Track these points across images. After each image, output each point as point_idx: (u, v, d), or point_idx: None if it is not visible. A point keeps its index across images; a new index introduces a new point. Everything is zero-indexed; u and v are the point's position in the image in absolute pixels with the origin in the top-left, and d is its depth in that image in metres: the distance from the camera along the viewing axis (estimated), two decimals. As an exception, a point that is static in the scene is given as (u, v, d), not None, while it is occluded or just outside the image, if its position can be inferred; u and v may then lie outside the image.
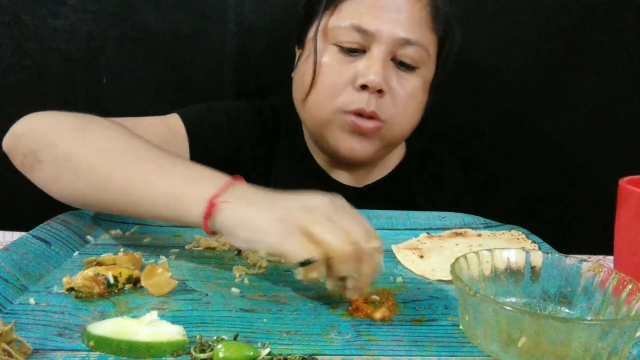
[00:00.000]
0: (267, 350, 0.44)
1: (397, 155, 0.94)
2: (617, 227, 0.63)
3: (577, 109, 1.11)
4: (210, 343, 0.45)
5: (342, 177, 0.91)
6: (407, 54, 0.77)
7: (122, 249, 0.66)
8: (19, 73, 1.02)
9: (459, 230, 0.75)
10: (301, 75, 0.82)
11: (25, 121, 0.70)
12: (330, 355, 0.45)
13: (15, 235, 0.73)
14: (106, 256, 0.59)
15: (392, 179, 0.92)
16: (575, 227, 1.14)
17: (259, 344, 0.46)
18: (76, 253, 0.66)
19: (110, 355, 0.44)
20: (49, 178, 0.65)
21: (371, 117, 0.77)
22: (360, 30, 0.75)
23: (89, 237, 0.70)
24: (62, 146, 0.63)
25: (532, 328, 0.41)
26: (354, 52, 0.77)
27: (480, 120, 1.12)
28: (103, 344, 0.44)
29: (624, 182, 0.62)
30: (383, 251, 0.53)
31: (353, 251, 0.49)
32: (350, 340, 0.48)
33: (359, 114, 0.77)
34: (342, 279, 0.52)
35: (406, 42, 0.76)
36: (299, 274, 0.50)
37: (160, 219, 0.60)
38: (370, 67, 0.75)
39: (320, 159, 0.91)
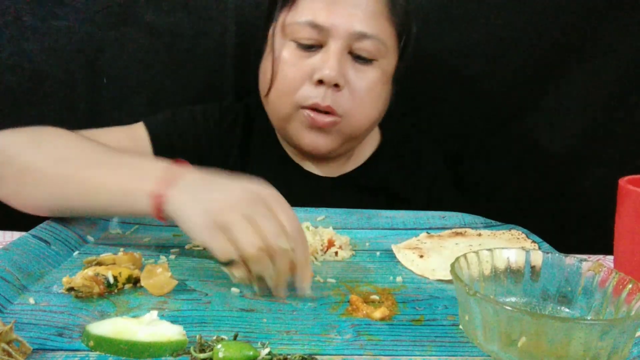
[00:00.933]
0: (267, 350, 0.44)
1: (371, 144, 0.95)
2: (617, 227, 0.63)
3: (577, 108, 1.10)
4: (210, 343, 0.45)
5: (316, 168, 0.92)
6: (364, 47, 0.78)
7: (122, 249, 0.66)
8: (19, 74, 1.02)
9: (459, 230, 0.75)
10: (263, 71, 0.84)
11: None
12: (330, 355, 0.45)
13: (15, 235, 0.73)
14: (106, 256, 0.59)
15: (367, 168, 0.94)
16: (575, 227, 1.14)
17: (259, 344, 0.46)
18: (76, 253, 0.66)
19: (110, 355, 0.44)
20: (11, 192, 0.68)
21: (327, 111, 0.78)
22: (315, 26, 0.76)
23: (89, 237, 0.70)
24: (19, 160, 0.67)
25: (532, 328, 0.41)
26: (311, 47, 0.78)
27: (480, 120, 1.12)
28: (103, 344, 0.44)
29: (624, 182, 0.62)
30: (303, 248, 0.55)
31: (259, 252, 0.52)
32: (350, 340, 0.48)
33: (315, 108, 0.78)
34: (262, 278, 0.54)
35: (362, 36, 0.77)
36: (227, 273, 0.55)
37: (118, 216, 0.67)
38: (326, 62, 0.76)
39: (291, 152, 0.92)
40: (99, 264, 0.58)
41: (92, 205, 0.64)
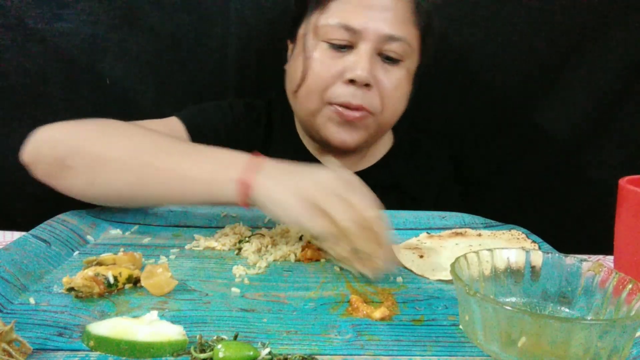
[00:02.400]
0: (267, 350, 0.44)
1: (385, 144, 0.99)
2: (617, 227, 0.63)
3: (577, 108, 1.10)
4: (210, 343, 0.45)
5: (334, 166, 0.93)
6: (392, 48, 0.81)
7: (122, 249, 0.66)
8: (22, 76, 1.03)
9: (459, 230, 0.75)
10: (293, 69, 0.86)
11: (44, 132, 0.72)
12: (330, 355, 0.45)
13: (15, 235, 0.73)
14: (106, 256, 0.59)
15: (381, 167, 0.97)
16: (575, 227, 1.14)
17: (259, 344, 0.46)
18: (76, 253, 0.66)
19: (110, 355, 0.44)
20: (81, 182, 0.69)
21: (358, 109, 0.81)
22: (348, 28, 0.79)
23: (89, 237, 0.70)
24: (93, 150, 0.69)
25: (532, 328, 0.41)
26: (342, 48, 0.81)
27: (480, 120, 1.12)
28: (103, 343, 0.44)
29: (624, 182, 0.62)
30: (384, 220, 0.59)
31: (355, 225, 0.56)
32: (350, 340, 0.48)
33: (346, 106, 0.81)
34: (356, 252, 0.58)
35: (391, 38, 0.80)
36: (329, 251, 0.61)
37: (197, 204, 0.71)
38: (358, 63, 0.79)
39: (312, 147, 0.95)
40: (99, 264, 0.58)
41: (173, 193, 0.67)
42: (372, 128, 0.85)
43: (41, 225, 0.68)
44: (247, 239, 0.70)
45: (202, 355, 0.43)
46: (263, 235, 0.70)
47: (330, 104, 0.82)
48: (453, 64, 1.09)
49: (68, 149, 0.69)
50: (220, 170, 0.64)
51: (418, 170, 0.99)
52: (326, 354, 0.45)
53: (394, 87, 0.83)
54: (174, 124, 0.88)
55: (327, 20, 0.81)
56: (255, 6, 1.04)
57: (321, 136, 0.86)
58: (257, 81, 1.08)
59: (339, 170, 0.61)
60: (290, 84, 0.88)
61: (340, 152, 0.91)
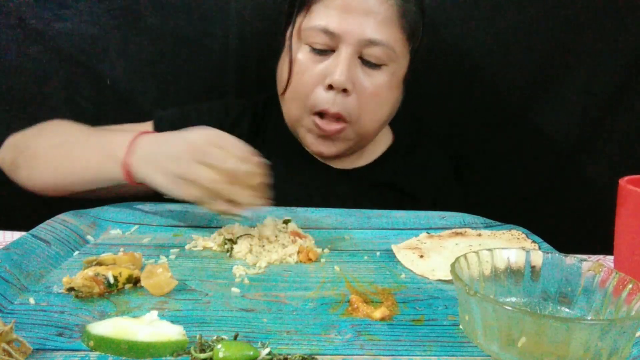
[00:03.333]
0: (267, 350, 0.44)
1: (384, 142, 0.98)
2: (617, 227, 0.63)
3: (577, 108, 1.10)
4: (210, 343, 0.45)
5: (331, 161, 0.94)
6: (373, 53, 0.80)
7: (122, 249, 0.66)
8: (23, 76, 1.03)
9: (459, 230, 0.75)
10: (280, 71, 0.87)
11: (9, 138, 0.89)
12: (330, 355, 0.45)
13: (15, 235, 0.73)
14: (106, 256, 0.59)
15: (379, 165, 0.96)
16: (575, 227, 1.14)
17: (259, 344, 0.46)
18: (76, 253, 0.66)
19: (110, 355, 0.44)
20: (24, 176, 0.84)
21: (336, 117, 0.81)
22: (328, 32, 0.79)
23: (89, 237, 0.70)
24: (30, 149, 0.82)
25: (532, 328, 0.41)
26: (324, 52, 0.81)
27: (480, 119, 1.12)
28: (103, 343, 0.44)
29: (624, 182, 0.62)
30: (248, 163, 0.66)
31: (218, 184, 0.64)
32: (350, 340, 0.48)
33: (324, 113, 0.81)
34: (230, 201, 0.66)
35: (372, 43, 0.79)
36: (209, 208, 0.67)
37: (105, 186, 0.76)
38: (336, 67, 0.79)
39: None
40: (99, 264, 0.58)
41: (82, 179, 0.77)
42: (352, 138, 0.85)
43: (41, 225, 0.68)
44: (235, 239, 0.70)
45: (202, 355, 0.43)
46: (252, 236, 0.70)
47: (311, 113, 0.82)
48: (453, 63, 1.09)
49: (18, 150, 0.84)
50: (108, 155, 0.72)
51: (417, 169, 0.99)
52: (326, 354, 0.45)
53: (374, 92, 0.82)
54: (146, 128, 0.90)
55: (310, 24, 0.81)
56: (255, 6, 1.04)
57: (302, 143, 0.88)
58: (257, 81, 1.08)
59: (199, 131, 0.68)
60: (278, 85, 0.88)
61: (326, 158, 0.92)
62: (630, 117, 1.11)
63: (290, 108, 0.85)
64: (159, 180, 0.67)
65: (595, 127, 1.12)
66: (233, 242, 0.69)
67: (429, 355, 0.46)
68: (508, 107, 1.12)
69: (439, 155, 1.04)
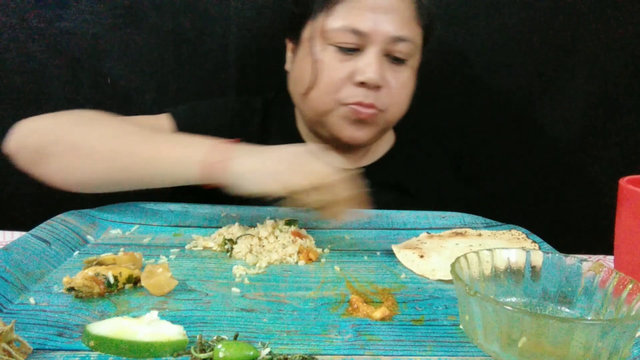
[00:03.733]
0: (267, 350, 0.44)
1: (386, 143, 1.00)
2: (617, 227, 0.63)
3: (577, 108, 1.11)
4: (210, 343, 0.45)
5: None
6: (399, 49, 0.82)
7: (122, 249, 0.66)
8: (24, 75, 1.03)
9: (459, 230, 0.75)
10: (299, 72, 0.86)
11: (25, 123, 0.77)
12: (330, 355, 0.45)
13: (15, 235, 0.73)
14: (106, 256, 0.59)
15: (381, 165, 0.97)
16: (575, 227, 1.14)
17: (259, 344, 0.46)
18: (76, 253, 0.66)
19: (110, 355, 0.44)
20: (60, 169, 0.74)
21: (369, 107, 0.83)
22: (356, 32, 0.80)
23: (89, 237, 0.70)
24: (70, 138, 0.73)
25: (532, 328, 0.41)
26: (350, 51, 0.82)
27: (480, 119, 1.12)
28: (103, 343, 0.44)
29: (624, 182, 0.62)
30: (346, 184, 0.66)
31: (311, 187, 0.64)
32: (350, 340, 0.48)
33: (358, 104, 0.82)
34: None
35: (398, 39, 0.81)
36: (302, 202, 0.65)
37: (165, 185, 0.72)
38: (369, 66, 0.80)
39: (313, 144, 0.95)
40: (99, 264, 0.58)
41: (142, 176, 0.72)
42: (380, 125, 0.87)
43: (41, 225, 0.68)
44: (235, 239, 0.70)
45: (202, 355, 0.43)
46: (252, 236, 0.70)
47: (343, 104, 0.83)
48: (453, 63, 1.09)
49: (48, 138, 0.74)
50: (185, 152, 0.69)
51: (419, 169, 0.99)
52: (326, 354, 0.45)
53: (402, 86, 0.85)
54: (162, 120, 0.89)
55: (334, 24, 0.81)
56: (255, 6, 1.04)
57: (332, 133, 0.87)
58: (257, 81, 1.08)
59: (299, 146, 0.68)
60: (296, 86, 0.88)
61: (344, 149, 0.92)
62: (630, 118, 1.11)
63: (318, 104, 0.85)
64: (257, 176, 0.66)
65: (596, 127, 1.12)
66: (233, 242, 0.69)
67: (429, 355, 0.46)
68: (508, 107, 1.12)
69: (441, 155, 1.05)
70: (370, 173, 0.95)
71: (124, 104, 1.06)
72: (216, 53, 1.06)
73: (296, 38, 0.88)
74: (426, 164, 1.01)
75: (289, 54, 0.91)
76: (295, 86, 0.89)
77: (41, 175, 0.75)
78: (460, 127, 1.13)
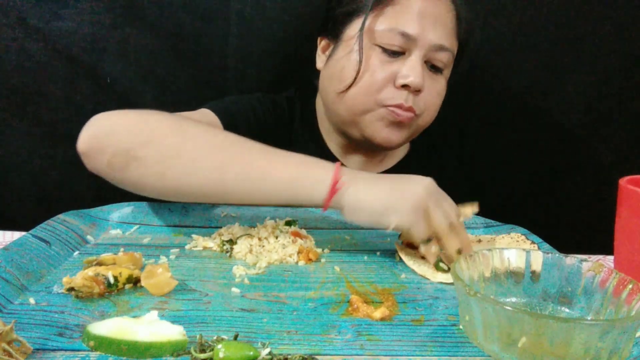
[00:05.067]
0: (267, 350, 0.44)
1: (402, 151, 1.00)
2: (617, 227, 0.63)
3: (577, 108, 1.11)
4: (210, 343, 0.45)
5: (355, 164, 0.96)
6: (439, 58, 0.83)
7: (122, 249, 0.66)
8: (23, 74, 1.03)
9: None
10: (339, 69, 0.86)
11: (103, 121, 0.69)
12: (330, 355, 0.45)
13: (15, 235, 0.73)
14: (106, 256, 0.59)
15: (398, 170, 0.95)
16: (575, 227, 1.14)
17: (259, 344, 0.46)
18: (76, 253, 0.66)
19: (110, 355, 0.44)
20: (151, 174, 0.66)
21: (408, 110, 0.83)
22: (405, 35, 0.81)
23: (89, 237, 0.70)
24: (167, 141, 0.66)
25: (532, 328, 0.41)
26: (395, 53, 0.82)
27: (480, 119, 1.12)
28: (103, 344, 0.44)
29: (624, 182, 0.62)
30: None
31: (448, 228, 0.63)
32: (350, 340, 0.48)
33: (398, 107, 0.83)
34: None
35: (441, 48, 0.82)
36: (422, 249, 0.64)
37: (277, 204, 0.69)
38: (413, 70, 0.81)
39: (335, 146, 0.96)
40: (99, 264, 0.58)
41: (255, 191, 0.66)
42: (413, 129, 0.88)
43: (41, 225, 0.68)
44: (235, 240, 0.70)
45: (202, 355, 0.43)
46: (252, 236, 0.70)
47: (383, 105, 0.83)
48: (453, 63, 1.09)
49: (138, 139, 0.66)
50: (307, 171, 0.66)
51: (433, 175, 0.99)
52: (326, 354, 0.45)
53: (437, 94, 0.86)
54: (208, 116, 0.87)
55: (383, 25, 0.82)
56: (255, 6, 1.04)
57: (365, 134, 0.87)
58: (257, 81, 1.08)
59: (424, 181, 0.66)
60: (333, 84, 0.87)
61: (369, 151, 0.93)
62: (630, 118, 1.11)
63: (357, 103, 0.85)
64: (390, 204, 0.64)
65: (596, 127, 1.12)
66: (232, 242, 0.69)
67: (429, 355, 0.46)
68: (508, 107, 1.12)
69: (453, 159, 1.06)
70: None
71: (123, 103, 1.06)
72: (216, 53, 1.06)
73: (335, 37, 0.88)
74: (439, 172, 1.00)
75: (319, 54, 0.91)
76: (331, 84, 0.88)
77: (125, 180, 0.67)
78: (460, 127, 1.13)
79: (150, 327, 0.45)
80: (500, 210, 0.85)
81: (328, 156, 0.93)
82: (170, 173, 0.65)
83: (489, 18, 1.06)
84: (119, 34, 1.03)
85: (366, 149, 0.92)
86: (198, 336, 0.45)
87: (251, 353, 0.43)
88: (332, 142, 0.96)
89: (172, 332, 0.45)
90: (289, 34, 1.04)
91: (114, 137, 0.66)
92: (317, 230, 0.76)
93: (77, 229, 0.70)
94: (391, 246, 0.72)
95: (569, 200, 1.15)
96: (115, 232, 0.73)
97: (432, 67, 0.84)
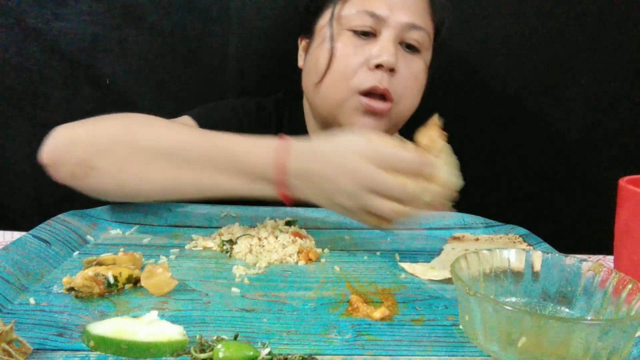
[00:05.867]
0: (267, 350, 0.44)
1: None
2: (617, 227, 0.63)
3: (577, 108, 1.11)
4: (210, 343, 0.45)
5: None
6: (413, 37, 0.83)
7: (122, 249, 0.66)
8: (22, 75, 1.03)
9: (456, 235, 0.75)
10: (314, 61, 0.86)
11: (64, 132, 0.70)
12: (330, 355, 0.45)
13: (15, 235, 0.73)
14: (106, 256, 0.59)
15: None
16: (575, 227, 1.14)
17: (259, 344, 0.46)
18: (76, 253, 0.66)
19: (110, 355, 0.44)
20: (108, 182, 0.68)
21: (383, 95, 0.82)
22: (372, 15, 0.81)
23: (89, 237, 0.70)
24: (119, 152, 0.67)
25: (532, 328, 0.41)
26: (366, 35, 0.82)
27: (479, 119, 1.12)
28: (103, 344, 0.44)
29: (624, 182, 0.62)
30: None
31: (398, 211, 0.61)
32: (350, 340, 0.48)
33: (372, 93, 0.81)
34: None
35: (413, 27, 0.82)
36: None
37: (235, 187, 0.67)
38: (384, 49, 0.80)
39: None
40: (99, 264, 0.58)
41: (207, 190, 0.68)
42: (393, 119, 0.86)
43: (41, 225, 0.68)
44: (235, 240, 0.70)
45: (202, 355, 0.43)
46: (252, 236, 0.70)
47: (358, 93, 0.82)
48: (453, 62, 1.09)
49: (94, 149, 0.68)
50: (252, 176, 0.65)
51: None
52: (326, 354, 0.45)
53: (414, 77, 0.84)
54: (187, 121, 0.88)
55: (353, 9, 0.82)
56: (255, 6, 1.04)
57: (344, 127, 0.86)
58: (257, 81, 1.08)
59: (359, 147, 0.61)
60: (311, 77, 0.87)
61: None
62: (630, 117, 1.11)
63: (332, 92, 0.85)
64: (335, 210, 0.65)
65: (596, 127, 1.12)
66: (232, 242, 0.69)
67: (429, 355, 0.46)
68: (508, 107, 1.12)
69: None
70: None
71: (123, 104, 1.06)
72: (216, 53, 1.06)
73: (310, 32, 0.88)
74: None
75: (301, 53, 0.91)
76: (308, 78, 0.88)
77: (86, 189, 0.70)
78: (460, 126, 1.13)
79: (150, 327, 0.45)
80: (501, 210, 0.85)
81: None
82: (127, 180, 0.68)
83: (490, 18, 1.06)
84: (118, 34, 1.03)
85: None
86: (198, 336, 0.45)
87: (251, 353, 0.43)
88: None
89: (172, 332, 0.45)
90: (289, 34, 1.04)
91: (72, 149, 0.68)
92: (317, 230, 0.76)
93: (77, 229, 0.70)
94: (391, 246, 0.72)
95: (569, 200, 1.15)
96: (115, 232, 0.73)
97: (408, 47, 0.83)
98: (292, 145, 0.65)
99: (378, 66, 0.80)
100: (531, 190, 1.16)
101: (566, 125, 1.12)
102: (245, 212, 0.80)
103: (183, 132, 0.70)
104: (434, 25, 0.86)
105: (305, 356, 0.44)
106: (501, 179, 1.15)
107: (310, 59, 0.88)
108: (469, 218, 0.82)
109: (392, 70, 0.81)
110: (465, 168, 1.13)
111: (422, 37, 0.83)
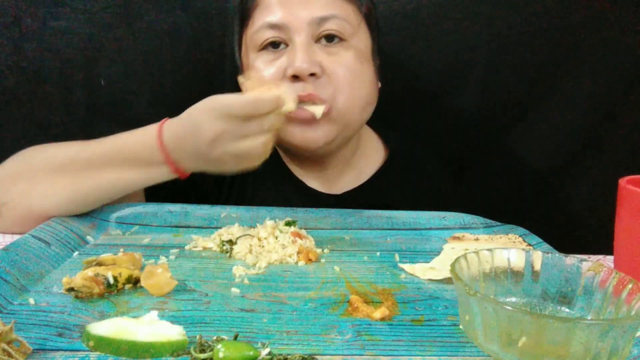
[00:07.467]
0: (267, 350, 0.44)
1: (376, 160, 0.94)
2: (617, 227, 0.63)
3: (578, 108, 1.10)
4: (210, 343, 0.45)
5: (318, 184, 0.91)
6: (328, 28, 0.78)
7: (122, 249, 0.66)
8: (17, 74, 1.02)
9: (456, 235, 0.75)
10: (244, 88, 0.84)
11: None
12: (330, 355, 0.45)
13: (15, 235, 0.73)
14: (106, 256, 0.59)
15: (371, 186, 0.92)
16: (575, 227, 1.14)
17: (259, 344, 0.46)
18: (76, 253, 0.66)
19: (110, 355, 0.43)
20: (18, 211, 0.72)
21: (312, 100, 0.77)
22: (272, 26, 0.78)
23: (88, 237, 0.70)
24: (18, 185, 0.72)
25: (532, 328, 0.41)
26: (278, 47, 0.80)
27: (480, 119, 1.12)
28: (103, 344, 0.44)
29: (624, 182, 0.62)
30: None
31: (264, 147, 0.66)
32: (350, 340, 0.48)
33: (301, 102, 0.77)
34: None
35: (322, 19, 0.78)
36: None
37: (133, 182, 0.71)
38: (294, 57, 0.77)
39: (294, 167, 0.92)
40: (99, 264, 0.58)
41: (111, 196, 0.73)
42: (337, 120, 0.80)
43: (41, 225, 0.68)
44: (235, 240, 0.70)
45: (202, 355, 0.43)
46: (252, 237, 0.70)
47: None
48: (453, 62, 1.09)
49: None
50: (144, 135, 0.69)
51: (410, 187, 0.94)
52: (326, 354, 0.45)
53: (345, 69, 0.79)
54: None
55: (254, 27, 0.81)
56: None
57: (287, 142, 0.82)
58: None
59: (207, 112, 0.65)
60: None
61: (316, 165, 0.88)
62: (630, 118, 1.11)
63: None
64: (217, 169, 0.69)
65: (596, 127, 1.12)
66: (232, 243, 0.69)
67: (429, 355, 0.46)
68: (508, 108, 1.12)
69: (435, 164, 1.00)
70: (359, 197, 0.89)
71: (119, 105, 1.05)
72: (214, 53, 1.05)
73: (240, 66, 0.87)
74: (420, 180, 0.95)
75: None
76: None
77: (3, 226, 0.74)
78: (460, 127, 1.13)
79: (150, 327, 0.45)
80: (500, 210, 0.85)
81: (290, 180, 0.90)
82: (35, 200, 0.72)
83: (490, 17, 1.06)
84: (115, 34, 1.02)
85: (312, 161, 0.88)
86: (198, 336, 0.45)
87: (251, 353, 0.43)
88: (291, 163, 0.92)
89: (172, 332, 0.45)
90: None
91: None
92: (317, 231, 0.76)
93: (76, 230, 0.70)
94: (391, 246, 0.72)
95: (569, 200, 1.15)
96: (115, 232, 0.73)
97: (330, 39, 0.79)
98: (165, 124, 0.69)
99: (295, 77, 0.77)
100: (531, 190, 1.16)
101: (567, 125, 1.12)
102: (244, 212, 0.80)
103: (76, 144, 0.74)
104: (356, 7, 0.81)
105: (305, 356, 0.44)
106: (501, 179, 1.15)
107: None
108: (469, 218, 0.82)
109: (313, 74, 0.76)
110: (466, 168, 1.14)
111: (340, 24, 0.79)
